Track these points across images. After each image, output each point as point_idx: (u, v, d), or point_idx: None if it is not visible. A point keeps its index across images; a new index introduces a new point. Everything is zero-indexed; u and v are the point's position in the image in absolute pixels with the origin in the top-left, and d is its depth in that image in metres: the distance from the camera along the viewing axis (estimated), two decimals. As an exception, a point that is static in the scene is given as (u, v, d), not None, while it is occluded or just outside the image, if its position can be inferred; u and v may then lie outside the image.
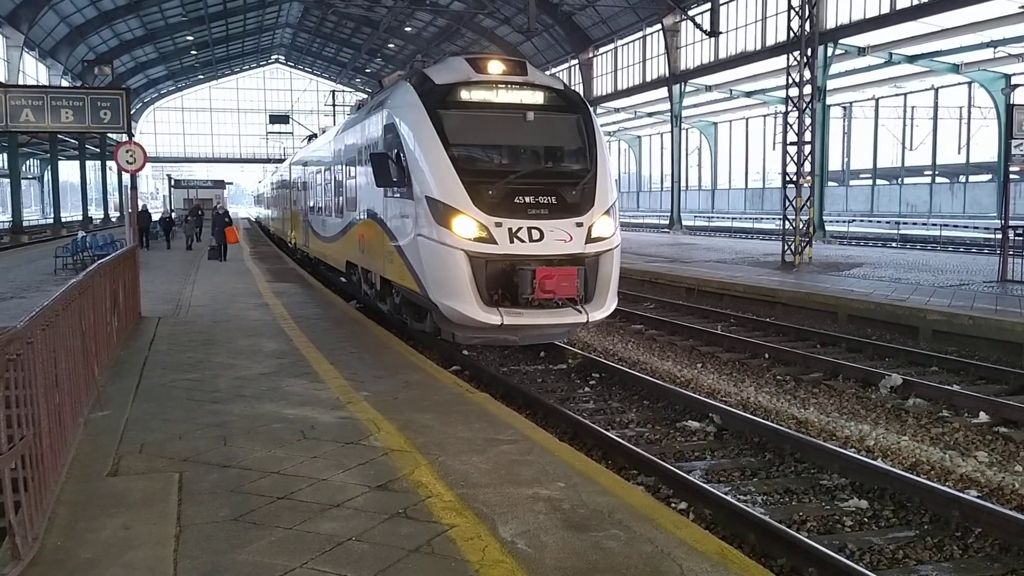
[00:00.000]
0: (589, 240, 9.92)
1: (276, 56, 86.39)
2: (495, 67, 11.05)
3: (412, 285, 10.50)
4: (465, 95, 10.69)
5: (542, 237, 9.63)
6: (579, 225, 9.90)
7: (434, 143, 10.08)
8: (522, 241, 9.55)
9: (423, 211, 9.90)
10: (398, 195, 10.98)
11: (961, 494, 6.44)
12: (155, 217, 36.49)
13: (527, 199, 9.85)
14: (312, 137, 28.46)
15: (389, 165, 10.77)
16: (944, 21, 29.38)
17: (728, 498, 6.42)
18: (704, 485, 6.73)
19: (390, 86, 13.42)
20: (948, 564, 5.54)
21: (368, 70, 78.36)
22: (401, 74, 13.97)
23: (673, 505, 6.37)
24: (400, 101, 11.31)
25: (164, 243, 34.43)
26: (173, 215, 41.85)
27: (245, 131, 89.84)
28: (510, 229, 9.56)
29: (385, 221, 11.80)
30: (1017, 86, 30.15)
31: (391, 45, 66.19)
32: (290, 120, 61.58)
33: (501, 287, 9.70)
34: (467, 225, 9.55)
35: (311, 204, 22.02)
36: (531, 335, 10.57)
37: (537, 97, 10.92)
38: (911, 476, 6.85)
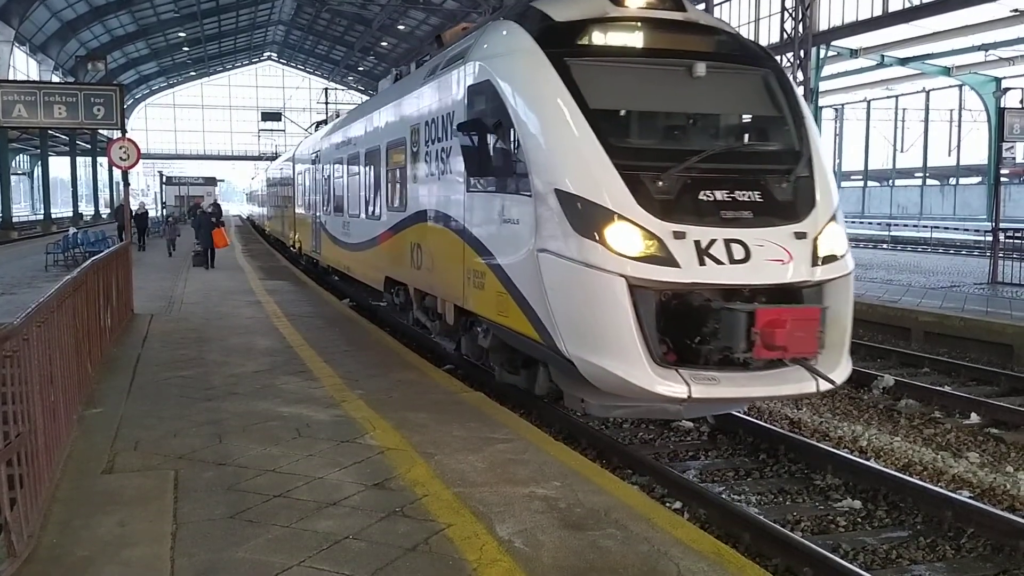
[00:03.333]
0: (816, 260, 6.62)
1: (268, 53, 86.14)
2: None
3: (522, 326, 7.15)
4: (601, 38, 7.40)
5: (748, 256, 6.36)
6: (800, 236, 6.61)
7: (567, 109, 6.81)
8: (718, 262, 6.28)
9: (550, 213, 6.67)
10: (497, 188, 7.68)
11: (953, 495, 6.47)
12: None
13: (718, 195, 6.62)
14: (321, 124, 25.42)
15: (485, 143, 7.65)
16: (936, 24, 29.56)
17: (723, 498, 6.45)
18: (699, 485, 6.76)
19: (474, 31, 9.39)
20: (941, 564, 5.57)
21: (361, 68, 78.22)
22: (467, 26, 10.44)
23: (668, 504, 6.37)
24: (501, 47, 7.88)
25: (137, 244, 28.47)
26: (149, 211, 38.23)
27: (237, 128, 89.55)
28: (697, 243, 6.31)
29: (467, 226, 8.36)
30: (1008, 89, 30.34)
31: (384, 43, 66.07)
32: (282, 118, 61.42)
33: (677, 333, 6.49)
34: (628, 236, 6.28)
35: (326, 201, 18.19)
36: (704, 407, 7.55)
37: (705, 42, 7.66)
38: (904, 477, 6.88)
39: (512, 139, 7.26)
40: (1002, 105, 25.37)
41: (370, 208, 13.41)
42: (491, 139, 7.59)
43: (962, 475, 7.29)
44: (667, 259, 6.24)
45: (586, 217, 6.42)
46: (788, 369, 6.43)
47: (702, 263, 6.27)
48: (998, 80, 36.97)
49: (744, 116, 7.87)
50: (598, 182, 6.49)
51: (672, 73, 7.37)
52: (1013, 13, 27.24)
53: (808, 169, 7.09)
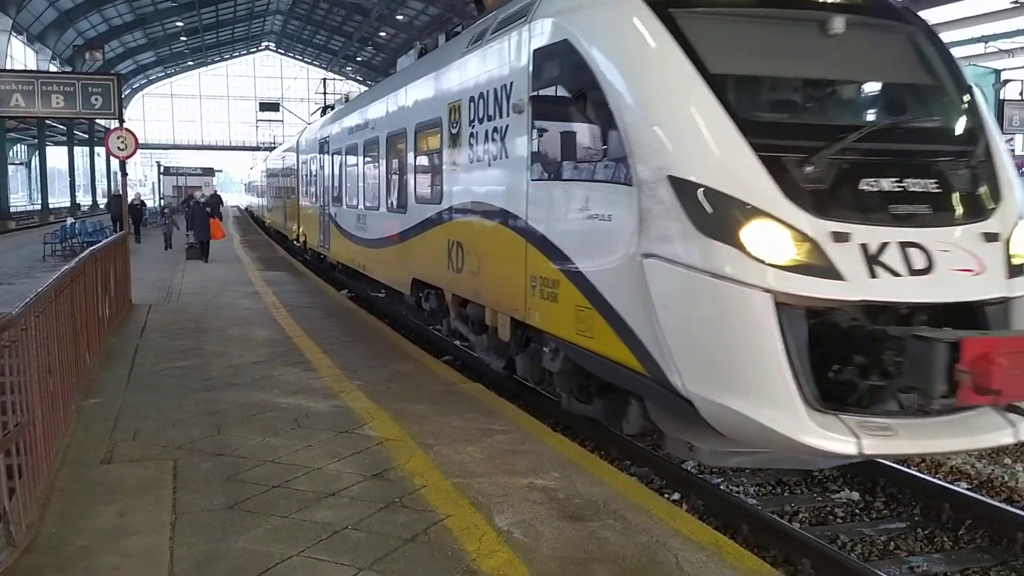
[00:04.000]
0: (1013, 269, 5.24)
1: (266, 43, 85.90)
2: None
3: (614, 351, 5.75)
4: None
5: (930, 265, 4.98)
6: (990, 238, 5.24)
7: (682, 73, 5.41)
8: (894, 273, 4.91)
9: (661, 207, 5.26)
10: (578, 175, 6.24)
11: (952, 486, 6.49)
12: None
13: (884, 184, 5.20)
14: (328, 109, 23.76)
15: (562, 120, 6.40)
16: (935, 16, 29.49)
17: (722, 489, 6.46)
18: (697, 476, 6.76)
19: None
20: (939, 556, 5.58)
21: (359, 58, 78.00)
22: None
23: (666, 496, 6.38)
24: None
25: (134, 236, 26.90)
26: (144, 200, 37.27)
27: (235, 118, 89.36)
28: (864, 247, 4.94)
29: (531, 222, 6.95)
30: (1008, 81, 30.33)
31: (382, 33, 65.89)
32: (280, 108, 61.27)
33: (825, 365, 4.98)
34: (774, 237, 4.91)
35: (337, 192, 16.53)
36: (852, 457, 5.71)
37: None
38: (902, 468, 6.89)
39: (602, 114, 5.82)
40: (1002, 97, 25.35)
41: (392, 200, 11.87)
42: (571, 114, 6.22)
43: (960, 467, 7.30)
44: (826, 268, 4.84)
45: (714, 212, 5.01)
46: (975, 413, 5.01)
47: (873, 274, 4.86)
48: (998, 72, 36.89)
49: (898, 84, 6.27)
50: (729, 167, 5.10)
51: (804, 29, 5.91)
52: (1013, 5, 27.22)
53: (986, 152, 5.69)
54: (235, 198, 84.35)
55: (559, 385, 7.25)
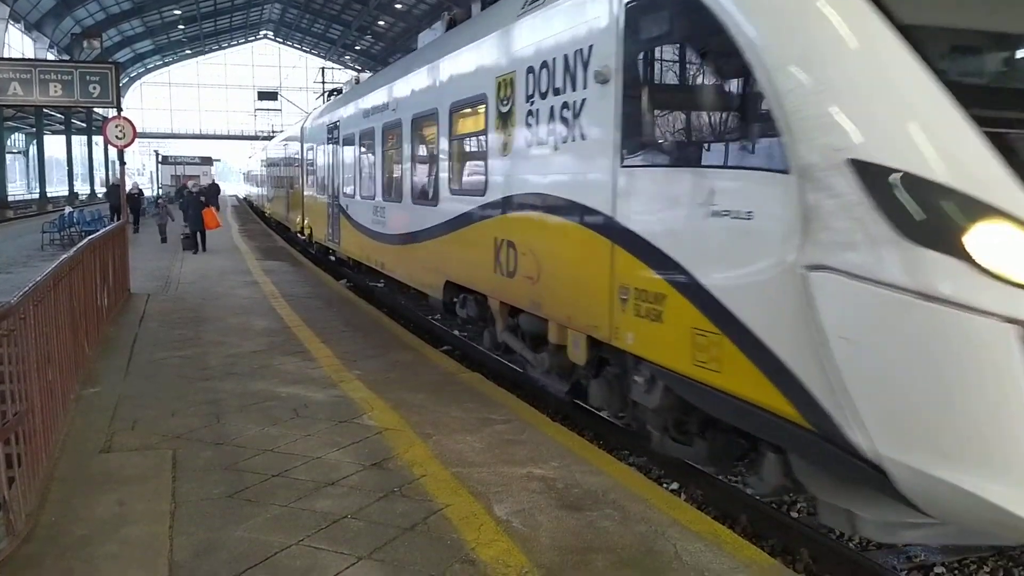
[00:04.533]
0: None
1: (265, 32, 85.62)
2: None
3: (754, 390, 4.47)
4: None
5: None
6: None
7: (863, 24, 4.05)
8: None
9: (837, 202, 3.91)
10: (696, 160, 5.05)
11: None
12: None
13: None
14: (334, 93, 22.51)
15: (683, 92, 5.30)
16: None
17: (720, 479, 6.47)
18: (696, 465, 6.77)
19: None
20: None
21: (358, 47, 77.78)
22: None
23: (665, 485, 6.40)
24: None
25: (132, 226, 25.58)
26: (142, 189, 36.50)
27: (233, 107, 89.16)
28: None
29: (620, 219, 5.66)
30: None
31: (381, 22, 65.69)
32: (279, 97, 61.14)
33: None
34: (1014, 244, 3.55)
35: (348, 182, 15.16)
36: None
37: None
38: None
39: (739, 78, 4.61)
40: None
41: (419, 190, 10.55)
42: (687, 81, 5.14)
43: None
44: None
45: (924, 210, 3.63)
46: None
47: None
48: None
49: None
50: (941, 147, 3.72)
51: None
52: None
53: None
54: (234, 187, 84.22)
55: (652, 422, 5.95)
